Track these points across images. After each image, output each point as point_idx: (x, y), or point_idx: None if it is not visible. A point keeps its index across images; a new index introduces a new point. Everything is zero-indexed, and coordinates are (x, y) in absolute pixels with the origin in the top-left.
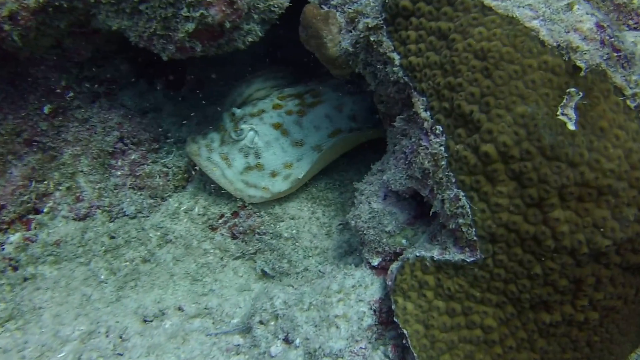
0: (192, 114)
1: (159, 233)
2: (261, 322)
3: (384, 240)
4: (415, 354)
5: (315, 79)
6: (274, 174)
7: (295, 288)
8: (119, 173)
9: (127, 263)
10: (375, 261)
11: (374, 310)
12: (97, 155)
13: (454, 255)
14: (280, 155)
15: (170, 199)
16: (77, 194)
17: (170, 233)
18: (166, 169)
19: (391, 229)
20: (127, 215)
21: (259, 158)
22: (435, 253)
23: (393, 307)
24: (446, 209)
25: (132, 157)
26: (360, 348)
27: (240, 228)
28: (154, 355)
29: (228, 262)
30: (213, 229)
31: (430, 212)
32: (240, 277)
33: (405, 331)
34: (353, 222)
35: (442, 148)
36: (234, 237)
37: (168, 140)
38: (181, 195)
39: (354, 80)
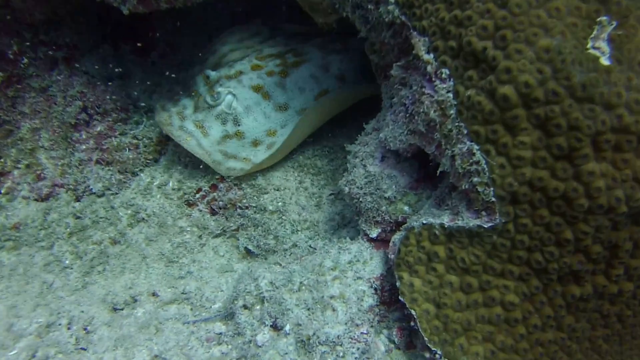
0: (163, 81)
1: (129, 211)
2: (245, 307)
3: (383, 208)
4: (425, 338)
5: (296, 38)
6: (255, 143)
7: (283, 266)
8: (83, 147)
9: (95, 246)
10: (374, 232)
11: (375, 289)
12: (58, 129)
13: (468, 220)
14: (262, 122)
15: (141, 174)
16: (38, 172)
17: (142, 211)
18: (136, 141)
19: (391, 195)
20: (94, 193)
21: (239, 125)
22: (446, 219)
23: (397, 284)
24: (457, 166)
25: (98, 129)
26: (362, 333)
27: (220, 202)
28: (122, 348)
29: (207, 241)
30: (190, 204)
31: (438, 172)
32: (221, 256)
33: (412, 312)
34: (347, 189)
35: (450, 95)
36: (213, 212)
37: (137, 110)
38: (153, 169)
39: (340, 36)
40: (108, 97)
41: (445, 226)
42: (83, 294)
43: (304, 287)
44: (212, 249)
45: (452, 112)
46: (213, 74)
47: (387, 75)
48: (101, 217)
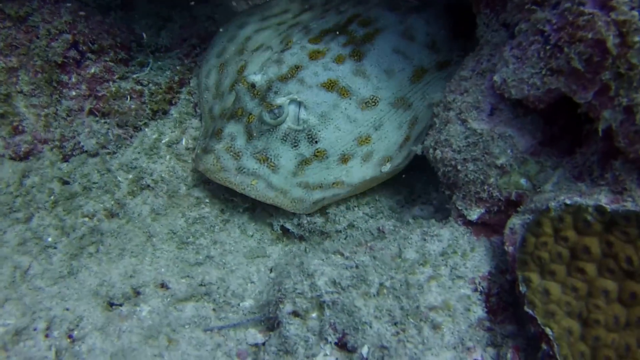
0: (175, 14)
1: (130, 176)
2: (296, 314)
3: (492, 180)
4: None
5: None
6: (344, 158)
7: (347, 257)
8: (73, 93)
9: (86, 219)
10: (475, 213)
11: (481, 293)
12: (40, 69)
13: None
14: (348, 128)
15: (146, 129)
16: (15, 124)
17: (147, 175)
18: (140, 87)
19: (505, 162)
20: (86, 151)
21: (317, 142)
22: (604, 199)
23: (522, 289)
24: (638, 119)
25: (92, 71)
26: None
27: None
28: None
29: (232, 216)
30: None
31: (600, 130)
32: (250, 237)
33: (548, 330)
34: (438, 153)
35: (636, 13)
36: None
37: (142, 48)
38: (161, 123)
39: None
40: (105, 30)
41: (606, 209)
42: (69, 283)
43: (385, 291)
44: (239, 227)
45: (637, 38)
46: (258, 78)
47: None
48: (94, 183)
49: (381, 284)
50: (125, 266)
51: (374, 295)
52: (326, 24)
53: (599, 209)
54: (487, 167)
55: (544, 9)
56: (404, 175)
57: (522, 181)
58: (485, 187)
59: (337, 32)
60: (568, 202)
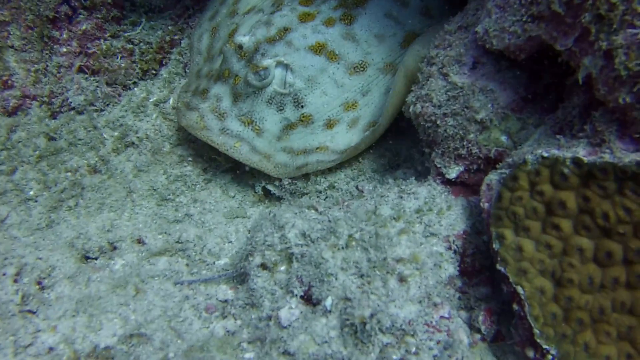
0: None
1: (116, 133)
2: (264, 266)
3: (472, 135)
4: (535, 330)
5: None
6: (330, 124)
7: (320, 212)
8: (63, 50)
9: (68, 174)
10: (454, 171)
11: (455, 251)
12: (32, 24)
13: (622, 154)
14: (334, 93)
15: (135, 88)
16: (4, 78)
17: (132, 133)
18: (131, 46)
19: (485, 117)
20: (74, 108)
21: (302, 106)
22: (582, 151)
23: (495, 245)
24: (618, 65)
25: (83, 28)
26: (442, 317)
27: None
28: (86, 314)
29: (214, 176)
30: None
31: (580, 79)
32: (231, 197)
33: (519, 289)
34: (417, 108)
35: None
36: None
37: (135, 8)
38: (150, 83)
39: None
40: None
41: (583, 161)
42: (46, 234)
43: (354, 243)
44: (220, 187)
45: None
46: (246, 39)
47: None
48: (80, 139)
49: (350, 236)
50: (104, 220)
51: (343, 248)
52: None
53: (576, 161)
54: (467, 121)
55: None
56: (391, 142)
57: (503, 138)
58: (465, 144)
59: None
60: (545, 154)
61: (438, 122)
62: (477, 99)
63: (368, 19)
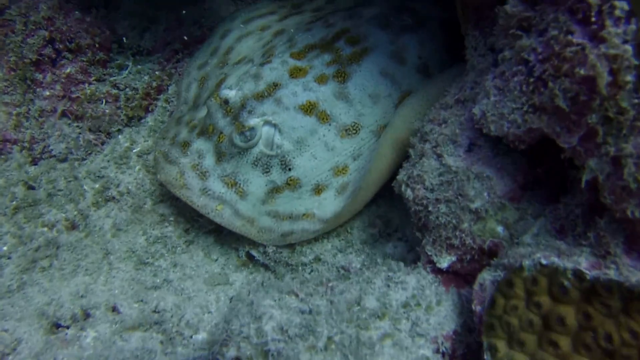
0: (161, 15)
1: (97, 185)
2: None
3: (465, 225)
4: None
5: (336, 11)
6: (318, 189)
7: (301, 299)
8: (46, 93)
9: (45, 229)
10: (445, 261)
11: (443, 354)
12: (14, 66)
13: (629, 272)
14: (324, 157)
15: (119, 136)
16: None
17: (113, 186)
18: (116, 91)
19: (480, 206)
20: (55, 156)
21: (289, 169)
22: (584, 263)
23: (486, 357)
24: (626, 176)
25: (67, 71)
26: None
27: None
28: None
29: (196, 238)
30: None
31: (584, 182)
32: (213, 261)
33: None
34: (408, 190)
35: (629, 48)
36: None
37: (122, 50)
38: (135, 131)
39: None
40: (84, 29)
41: (585, 275)
42: (15, 300)
43: (333, 346)
44: (202, 250)
45: (629, 77)
46: (232, 94)
47: (482, 17)
48: (59, 190)
49: (329, 338)
50: (78, 284)
51: (321, 350)
52: (312, 37)
53: (578, 274)
54: (461, 210)
55: (530, 36)
56: (382, 208)
57: (499, 229)
58: (458, 233)
59: (323, 49)
60: (544, 262)
61: (430, 207)
62: (472, 187)
63: (363, 77)
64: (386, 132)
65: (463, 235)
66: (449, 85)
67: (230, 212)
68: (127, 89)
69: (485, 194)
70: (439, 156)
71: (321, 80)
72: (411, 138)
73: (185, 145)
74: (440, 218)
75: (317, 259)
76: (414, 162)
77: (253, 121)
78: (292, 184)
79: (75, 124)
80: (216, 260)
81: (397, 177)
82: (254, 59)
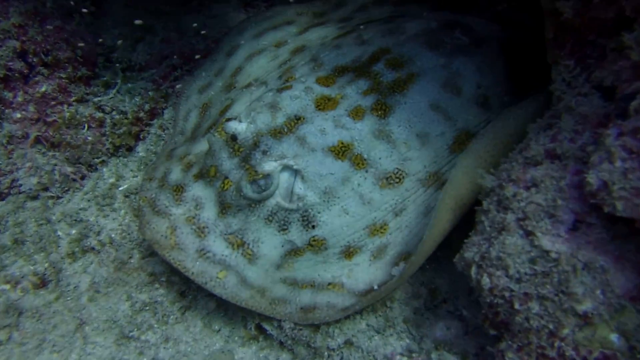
0: (156, 25)
1: (74, 231)
2: None
3: (567, 331)
4: None
5: (367, 13)
6: (349, 252)
7: None
8: (17, 115)
9: (7, 286)
10: None
11: None
12: None
13: None
14: (359, 211)
15: (103, 169)
16: None
17: (93, 234)
18: (101, 115)
19: (590, 308)
20: (25, 192)
21: (314, 227)
22: None
23: None
24: None
25: (43, 89)
26: None
27: None
28: None
29: (194, 302)
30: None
31: None
32: (216, 333)
33: None
34: (485, 278)
35: None
36: None
37: (109, 65)
38: (122, 164)
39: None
40: (64, 39)
41: None
42: None
43: None
44: (201, 319)
45: None
46: (242, 128)
47: (583, 43)
48: (29, 236)
49: None
50: None
51: None
52: (342, 57)
53: None
54: (562, 312)
55: None
56: (427, 272)
57: (613, 337)
58: (556, 342)
59: (357, 73)
60: None
61: (515, 304)
62: (580, 281)
63: (409, 111)
64: (446, 191)
65: (563, 344)
66: (528, 128)
67: (236, 281)
68: (114, 112)
69: (599, 292)
70: (529, 234)
71: (356, 114)
72: (484, 202)
73: (179, 190)
74: (531, 320)
75: (349, 343)
76: (490, 237)
77: (269, 166)
78: (316, 245)
79: (51, 154)
80: (218, 331)
81: (464, 254)
82: (268, 82)
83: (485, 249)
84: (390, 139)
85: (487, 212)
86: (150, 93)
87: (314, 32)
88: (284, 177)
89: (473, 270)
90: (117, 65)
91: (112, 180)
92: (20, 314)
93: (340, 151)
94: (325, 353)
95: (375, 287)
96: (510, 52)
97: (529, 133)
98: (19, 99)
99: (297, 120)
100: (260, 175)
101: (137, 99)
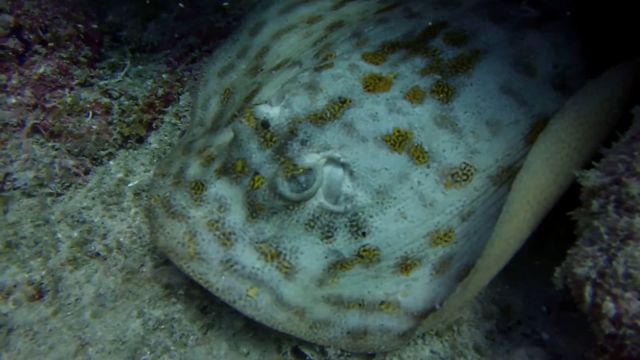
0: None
1: (76, 234)
2: None
3: None
4: None
5: None
6: (406, 265)
7: None
8: (11, 100)
9: None
10: None
11: None
12: None
13: None
14: (419, 215)
15: (110, 162)
16: None
17: (98, 238)
18: (107, 100)
19: None
20: (20, 188)
21: (364, 234)
22: None
23: None
24: None
25: (40, 71)
26: None
27: None
28: None
29: (218, 321)
30: None
31: None
32: (243, 356)
33: None
34: (608, 303)
35: None
36: None
37: (117, 45)
38: (131, 156)
39: None
40: (64, 14)
41: None
42: None
43: None
44: (226, 340)
45: None
46: (275, 113)
47: None
48: (23, 238)
49: None
50: None
51: None
52: (391, 32)
53: None
54: None
55: None
56: (498, 288)
57: None
58: None
59: (411, 49)
60: None
61: None
62: None
63: (475, 95)
64: (520, 180)
65: None
66: (634, 111)
67: (270, 300)
68: (123, 98)
69: None
70: None
71: (414, 96)
72: (594, 202)
73: (198, 188)
74: None
75: None
76: (609, 247)
77: (310, 159)
78: (367, 257)
79: (50, 144)
80: (247, 354)
81: (574, 269)
82: (302, 61)
83: (604, 263)
84: (456, 128)
85: (602, 215)
86: (163, 76)
87: (351, 6)
88: (329, 173)
89: (587, 290)
90: (126, 45)
91: (120, 175)
92: (10, 330)
93: (397, 141)
94: None
95: (438, 306)
96: (586, 26)
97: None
98: (14, 81)
99: (342, 103)
100: (300, 170)
101: (149, 83)
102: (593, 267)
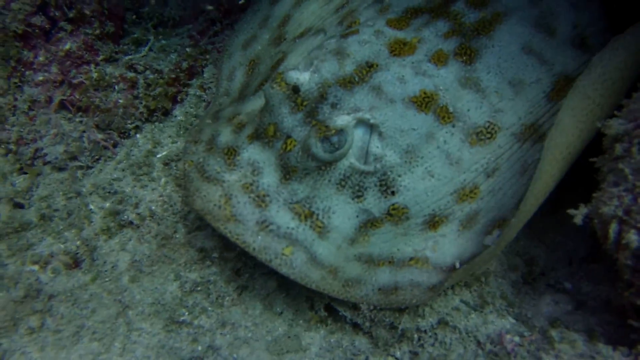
0: None
1: (107, 205)
2: None
3: None
4: None
5: None
6: (434, 221)
7: None
8: (39, 78)
9: (36, 267)
10: None
11: None
12: None
13: None
14: (445, 173)
15: (137, 135)
16: None
17: (130, 207)
18: (133, 75)
19: None
20: (51, 162)
21: (393, 193)
22: None
23: None
24: None
25: (67, 47)
26: None
27: None
28: None
29: (252, 282)
30: None
31: None
32: (278, 315)
33: None
34: (632, 235)
35: None
36: None
37: (140, 20)
38: (158, 129)
39: None
40: None
41: None
42: None
43: None
44: (261, 300)
45: None
46: (305, 77)
47: None
48: (56, 210)
49: None
50: (82, 356)
51: None
52: None
53: None
54: None
55: None
56: (521, 241)
57: None
58: None
59: (434, 14)
60: None
61: None
62: None
63: (497, 56)
64: (551, 139)
65: None
66: None
67: (305, 259)
68: (148, 72)
69: None
70: None
71: (439, 59)
72: (617, 146)
73: (231, 153)
74: None
75: (443, 323)
76: (634, 186)
77: (342, 120)
78: (396, 215)
79: (78, 119)
80: (281, 314)
81: (600, 209)
82: (327, 29)
83: (630, 201)
84: (479, 88)
85: (626, 158)
86: (187, 50)
87: None
88: (359, 134)
89: (613, 228)
90: (149, 21)
91: (148, 147)
92: (51, 297)
93: (423, 102)
94: (415, 336)
95: (458, 264)
96: None
97: None
98: (41, 58)
99: (369, 67)
100: (333, 131)
101: (174, 56)
102: (619, 205)
